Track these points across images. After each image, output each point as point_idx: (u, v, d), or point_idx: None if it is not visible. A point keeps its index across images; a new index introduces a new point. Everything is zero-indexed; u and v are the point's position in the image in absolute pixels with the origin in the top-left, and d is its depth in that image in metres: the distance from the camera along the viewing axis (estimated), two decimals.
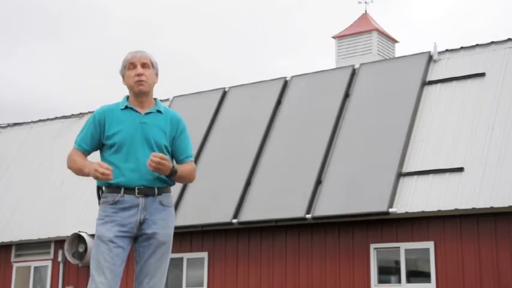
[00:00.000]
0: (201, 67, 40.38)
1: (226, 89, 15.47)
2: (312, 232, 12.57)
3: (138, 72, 4.40)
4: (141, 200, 4.33)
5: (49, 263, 15.33)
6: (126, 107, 4.44)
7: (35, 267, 15.56)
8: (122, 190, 4.32)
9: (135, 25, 42.31)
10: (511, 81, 12.34)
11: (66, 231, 14.81)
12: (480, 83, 12.59)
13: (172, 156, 4.52)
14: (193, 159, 4.60)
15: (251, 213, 12.83)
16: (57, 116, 17.93)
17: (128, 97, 4.50)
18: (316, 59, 39.30)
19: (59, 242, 15.10)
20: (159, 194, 4.39)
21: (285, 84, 14.74)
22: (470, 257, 11.23)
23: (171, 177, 4.38)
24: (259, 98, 14.77)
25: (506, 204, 10.91)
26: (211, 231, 13.45)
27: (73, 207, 15.29)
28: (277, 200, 12.76)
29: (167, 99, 15.99)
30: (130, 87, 4.46)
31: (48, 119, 18.03)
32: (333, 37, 16.29)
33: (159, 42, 40.62)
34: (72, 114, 17.67)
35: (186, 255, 13.63)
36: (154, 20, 41.97)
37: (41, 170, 16.79)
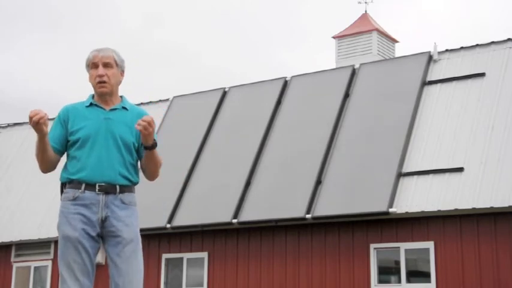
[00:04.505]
0: (203, 63, 40.41)
1: (226, 89, 15.45)
2: (312, 232, 12.57)
3: (99, 73, 4.34)
4: (102, 197, 4.25)
5: (49, 263, 15.33)
6: (91, 104, 4.41)
7: (35, 267, 15.56)
8: (83, 186, 4.27)
9: (136, 24, 42.34)
10: (511, 81, 12.34)
11: None
12: (480, 83, 12.59)
13: (137, 153, 4.41)
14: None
15: (251, 213, 12.83)
16: None
17: (93, 95, 4.47)
18: (316, 59, 39.33)
19: None
20: (121, 192, 4.30)
21: (285, 84, 14.74)
22: (470, 257, 11.23)
23: (152, 149, 4.27)
24: (259, 98, 14.76)
25: (506, 204, 10.91)
26: (211, 231, 13.45)
27: None
28: (277, 200, 12.75)
29: (167, 99, 15.98)
30: (93, 87, 4.44)
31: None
32: (333, 37, 16.29)
33: (160, 37, 40.66)
34: None
35: (186, 255, 13.63)
36: (155, 17, 42.02)
37: None
